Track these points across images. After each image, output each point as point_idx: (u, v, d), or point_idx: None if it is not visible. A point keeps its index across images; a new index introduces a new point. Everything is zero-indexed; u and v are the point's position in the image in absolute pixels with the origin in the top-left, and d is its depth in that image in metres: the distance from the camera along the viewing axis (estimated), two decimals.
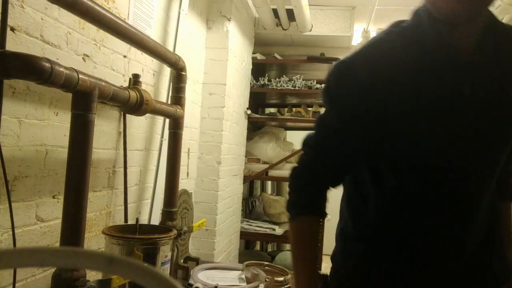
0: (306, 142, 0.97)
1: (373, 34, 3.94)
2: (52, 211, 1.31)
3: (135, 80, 1.60)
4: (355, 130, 0.89)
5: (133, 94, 1.45)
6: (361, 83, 0.87)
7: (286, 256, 3.25)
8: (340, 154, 0.93)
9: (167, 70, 2.06)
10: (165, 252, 1.42)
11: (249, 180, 3.60)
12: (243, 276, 1.96)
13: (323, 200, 0.97)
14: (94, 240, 1.54)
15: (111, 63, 1.60)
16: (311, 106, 3.99)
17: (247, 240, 4.06)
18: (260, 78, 3.51)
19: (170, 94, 1.98)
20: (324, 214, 0.97)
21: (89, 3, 1.17)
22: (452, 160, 0.87)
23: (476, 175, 0.88)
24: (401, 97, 0.85)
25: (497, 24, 0.88)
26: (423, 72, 0.85)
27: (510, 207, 1.02)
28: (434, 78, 0.85)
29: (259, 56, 3.48)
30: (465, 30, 0.85)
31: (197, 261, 2.06)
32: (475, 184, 0.89)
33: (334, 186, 0.98)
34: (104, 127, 1.58)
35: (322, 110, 3.98)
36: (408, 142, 0.87)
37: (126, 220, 1.70)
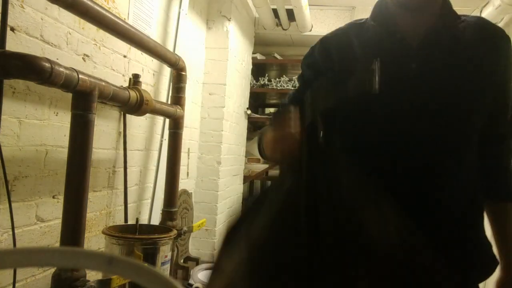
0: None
1: None
2: (52, 211, 1.31)
3: (135, 80, 1.60)
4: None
5: (133, 94, 1.45)
6: (316, 63, 1.00)
7: None
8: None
9: (167, 70, 2.06)
10: (165, 252, 1.42)
11: (249, 180, 3.60)
12: None
13: None
14: (94, 240, 1.54)
15: (111, 63, 1.60)
16: None
17: None
18: (260, 78, 3.50)
19: (170, 94, 1.98)
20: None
21: (89, 3, 1.17)
22: (402, 135, 0.87)
23: (428, 151, 0.87)
24: (349, 72, 0.91)
25: (452, 13, 0.93)
26: (372, 52, 0.92)
27: (504, 209, 0.98)
28: (381, 56, 0.89)
29: (259, 56, 3.48)
30: (418, 16, 0.90)
31: (197, 261, 2.07)
32: (433, 161, 0.87)
33: None
34: (104, 127, 1.58)
35: None
36: (357, 110, 0.91)
37: (126, 220, 1.70)
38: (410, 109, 0.87)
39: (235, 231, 0.78)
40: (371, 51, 0.92)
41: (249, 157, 3.51)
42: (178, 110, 1.82)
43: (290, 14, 3.15)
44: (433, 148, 0.88)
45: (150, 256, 1.37)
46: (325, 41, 1.03)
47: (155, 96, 1.97)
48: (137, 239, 1.39)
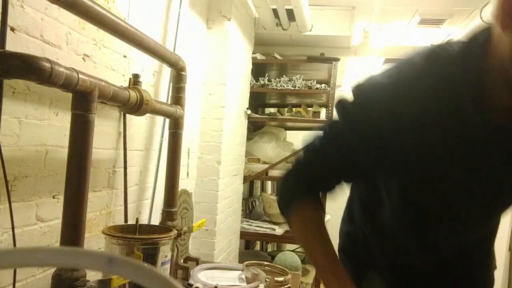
0: (307, 145, 0.94)
1: (373, 34, 3.94)
2: (52, 211, 1.31)
3: (135, 80, 1.60)
4: (361, 154, 0.86)
5: (133, 94, 1.45)
6: (381, 117, 0.80)
7: (286, 256, 3.25)
8: (339, 166, 0.91)
9: (167, 70, 2.06)
10: (165, 252, 1.42)
11: (249, 180, 3.60)
12: (243, 276, 1.96)
13: (318, 197, 0.96)
14: (94, 240, 1.54)
15: (111, 63, 1.60)
16: (311, 106, 3.99)
17: (247, 240, 4.06)
18: (260, 78, 3.50)
19: (170, 94, 1.98)
20: (322, 207, 0.95)
21: (89, 3, 1.17)
22: (451, 206, 0.87)
23: (470, 229, 0.93)
24: (421, 145, 0.79)
25: None
26: (450, 126, 0.77)
27: None
28: (462, 137, 0.78)
29: (259, 56, 3.48)
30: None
31: (197, 261, 2.06)
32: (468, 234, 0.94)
33: (327, 191, 0.96)
34: (104, 127, 1.58)
35: (322, 110, 3.90)
36: (415, 186, 0.85)
37: (126, 220, 1.70)
38: (464, 193, 0.84)
39: None
40: (450, 130, 0.77)
41: (249, 157, 3.51)
42: (178, 110, 1.82)
43: (290, 14, 3.15)
44: (470, 228, 0.92)
45: (150, 256, 1.37)
46: (399, 86, 0.79)
47: (155, 96, 1.97)
48: (137, 239, 1.39)
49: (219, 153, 2.71)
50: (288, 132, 4.62)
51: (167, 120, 1.93)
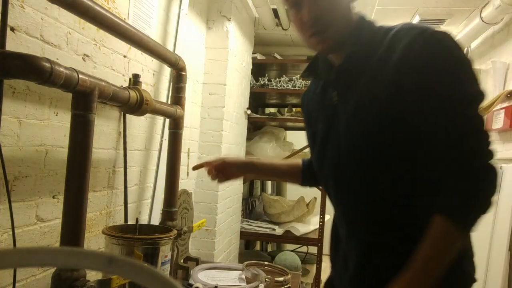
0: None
1: None
2: (52, 211, 1.31)
3: (135, 80, 1.60)
4: None
5: (133, 94, 1.45)
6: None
7: (286, 256, 3.25)
8: None
9: (167, 70, 2.06)
10: (165, 252, 1.42)
11: (249, 180, 3.60)
12: (243, 276, 1.95)
13: None
14: (94, 240, 1.54)
15: (111, 63, 1.60)
16: None
17: (247, 240, 4.06)
18: (260, 78, 3.50)
19: (170, 94, 1.98)
20: None
21: (89, 3, 1.17)
22: (324, 160, 1.04)
23: (345, 175, 0.99)
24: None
25: (365, 33, 0.97)
26: (313, 87, 1.15)
27: (431, 223, 0.83)
28: (316, 93, 1.10)
29: (259, 56, 3.48)
30: (334, 55, 1.02)
31: (197, 261, 2.06)
32: (347, 183, 1.00)
33: None
34: (104, 127, 1.58)
35: None
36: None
37: (126, 220, 1.70)
38: (334, 134, 1.02)
39: None
40: (314, 86, 1.18)
41: (249, 157, 3.51)
42: (178, 110, 1.82)
43: None
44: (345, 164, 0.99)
45: (150, 256, 1.37)
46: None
47: (155, 96, 1.97)
48: (137, 239, 1.39)
49: (219, 153, 2.71)
50: (288, 132, 4.62)
51: (167, 120, 1.93)
